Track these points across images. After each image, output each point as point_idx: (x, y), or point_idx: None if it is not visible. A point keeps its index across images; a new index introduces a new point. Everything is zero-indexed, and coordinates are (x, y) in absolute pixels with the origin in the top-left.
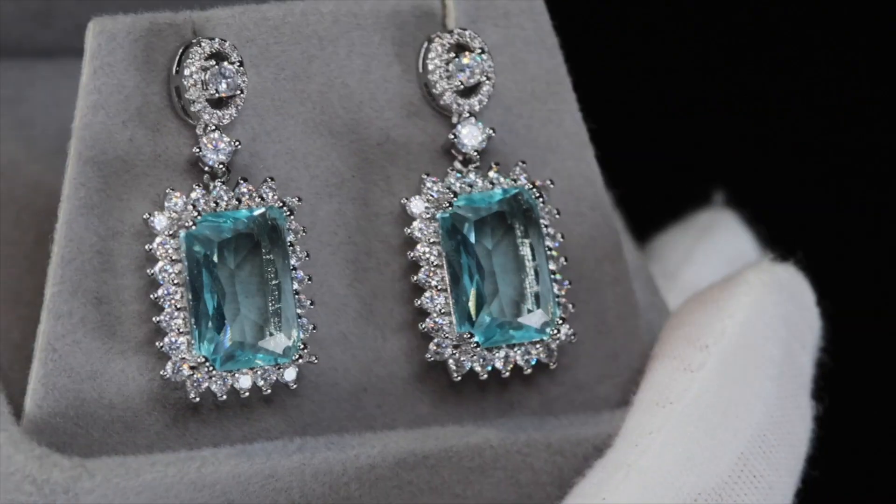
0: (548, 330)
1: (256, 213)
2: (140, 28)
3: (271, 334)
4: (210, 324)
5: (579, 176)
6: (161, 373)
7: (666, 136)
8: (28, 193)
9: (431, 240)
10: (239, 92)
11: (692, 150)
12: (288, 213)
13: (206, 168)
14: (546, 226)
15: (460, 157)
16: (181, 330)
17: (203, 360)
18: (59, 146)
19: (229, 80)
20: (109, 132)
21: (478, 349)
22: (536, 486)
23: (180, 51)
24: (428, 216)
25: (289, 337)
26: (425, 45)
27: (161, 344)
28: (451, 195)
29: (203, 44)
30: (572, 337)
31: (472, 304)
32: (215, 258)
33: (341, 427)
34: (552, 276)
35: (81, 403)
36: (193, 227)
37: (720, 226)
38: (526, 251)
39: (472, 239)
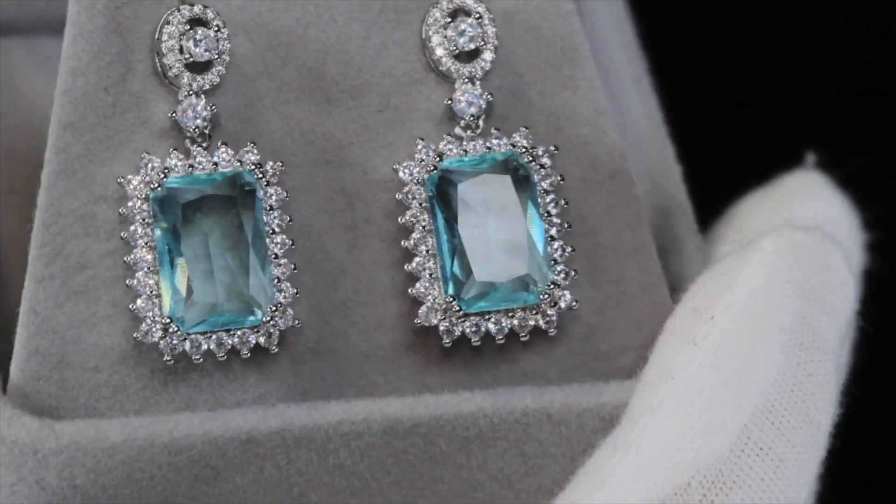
0: (540, 295)
1: (227, 175)
2: None
3: (245, 296)
4: (180, 286)
5: (596, 143)
6: (134, 335)
7: (760, 93)
8: None
9: (422, 204)
10: (218, 57)
11: (788, 109)
12: (261, 175)
13: (187, 133)
14: (547, 191)
15: (461, 123)
16: (153, 292)
17: (170, 321)
18: None
19: (206, 44)
20: (90, 98)
21: (463, 314)
22: (546, 457)
23: (163, 18)
24: (417, 180)
25: (264, 300)
26: (429, 10)
27: (134, 307)
28: (438, 159)
29: (183, 9)
30: (574, 304)
31: (456, 270)
32: (180, 220)
33: (342, 395)
34: (550, 242)
35: (66, 367)
36: (160, 189)
37: (806, 190)
38: (519, 214)
39: (459, 201)
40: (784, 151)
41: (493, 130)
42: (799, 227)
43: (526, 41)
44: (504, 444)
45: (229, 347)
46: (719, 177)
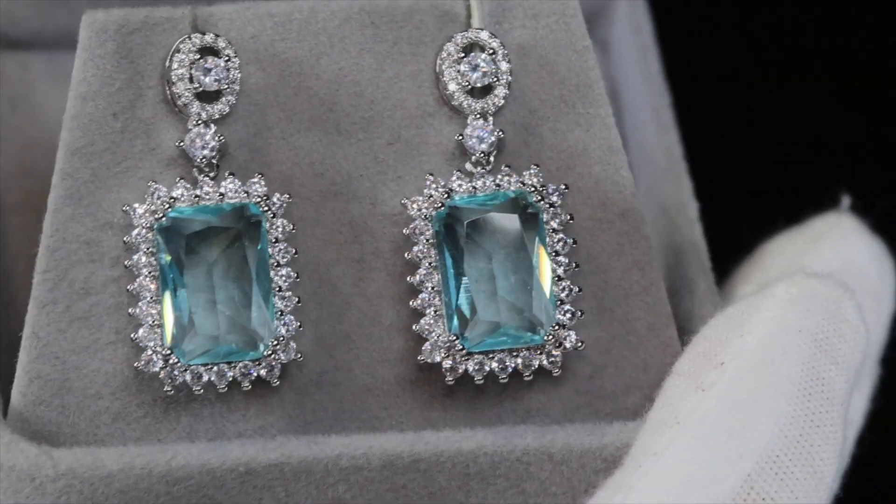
0: (545, 335)
1: (233, 206)
2: (135, 22)
3: (247, 329)
4: (181, 317)
5: (608, 181)
6: (135, 364)
7: (798, 134)
8: None
9: (429, 240)
10: (228, 87)
11: (823, 150)
12: (265, 209)
13: (195, 162)
14: (556, 230)
15: (472, 159)
16: (156, 322)
17: (170, 352)
18: None
19: (216, 74)
20: (99, 123)
21: (465, 352)
22: (546, 496)
23: (175, 45)
24: (425, 216)
25: (266, 332)
26: (444, 45)
27: (136, 336)
28: (447, 195)
29: (194, 38)
30: (579, 344)
31: (461, 307)
32: (184, 250)
33: (343, 428)
34: (557, 282)
35: (67, 393)
36: (164, 220)
37: (834, 233)
38: (527, 254)
39: (467, 239)
40: (820, 193)
41: (503, 168)
42: (813, 274)
43: (540, 77)
44: (504, 482)
45: (230, 379)
46: (746, 214)
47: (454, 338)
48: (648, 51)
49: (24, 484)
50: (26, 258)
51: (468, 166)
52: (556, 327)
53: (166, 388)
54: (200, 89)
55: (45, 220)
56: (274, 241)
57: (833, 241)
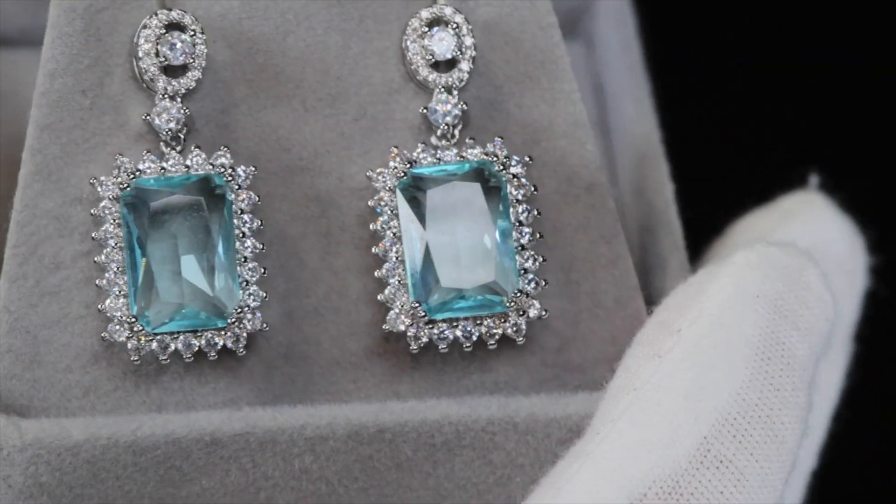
0: (509, 303)
1: (197, 178)
2: (103, 1)
3: (210, 298)
4: (145, 286)
5: (573, 156)
6: (101, 335)
7: (767, 114)
8: None
9: (392, 211)
10: (193, 60)
11: (796, 129)
12: (230, 178)
13: (161, 136)
14: (518, 200)
15: (437, 132)
16: (122, 292)
17: (135, 320)
18: None
19: (183, 48)
20: (67, 100)
21: (427, 320)
22: (513, 467)
23: (142, 22)
24: (389, 187)
25: (230, 302)
26: (409, 21)
27: (102, 306)
28: (409, 165)
29: (160, 14)
30: (544, 313)
31: (424, 275)
32: (148, 221)
33: (313, 401)
34: (521, 252)
35: (38, 366)
36: (129, 190)
37: (804, 210)
38: (488, 223)
39: (425, 208)
40: (789, 172)
41: (467, 140)
42: (774, 242)
43: (505, 53)
44: (471, 452)
45: (196, 349)
46: (723, 197)
47: (416, 305)
48: (631, 43)
49: None
50: None
51: (433, 140)
52: (519, 294)
53: (133, 357)
54: (166, 63)
55: (16, 195)
56: (239, 212)
57: (802, 218)
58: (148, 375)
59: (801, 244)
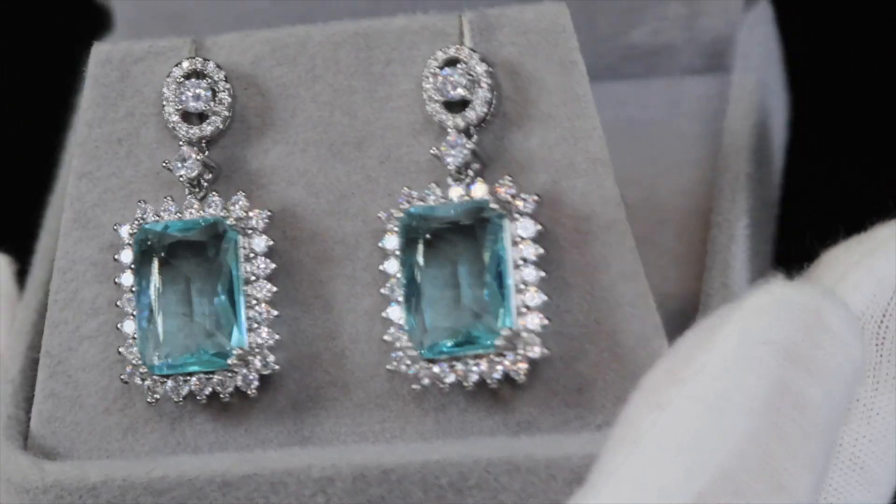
0: (511, 343)
1: (207, 222)
2: (139, 52)
3: (220, 340)
4: (153, 329)
5: (593, 194)
6: (120, 377)
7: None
8: None
9: (397, 252)
10: (214, 107)
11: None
12: (242, 225)
13: (183, 182)
14: (523, 238)
15: (450, 172)
16: (135, 335)
17: (141, 363)
18: None
19: (200, 94)
20: (104, 149)
21: (423, 359)
22: None
23: (168, 72)
24: (393, 228)
25: (235, 343)
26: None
27: (121, 349)
28: (408, 206)
29: (184, 63)
30: (545, 352)
31: (421, 314)
32: (161, 264)
33: (342, 442)
34: (524, 289)
35: (79, 409)
36: (138, 233)
37: (889, 244)
38: (488, 262)
39: (431, 248)
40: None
41: (476, 179)
42: (792, 281)
43: (528, 92)
44: (479, 493)
45: (209, 391)
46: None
47: (409, 345)
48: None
49: (21, 496)
50: None
51: (448, 180)
52: (520, 334)
53: (148, 399)
54: (183, 109)
55: (58, 243)
56: (253, 255)
57: (890, 251)
58: (182, 417)
59: (885, 280)
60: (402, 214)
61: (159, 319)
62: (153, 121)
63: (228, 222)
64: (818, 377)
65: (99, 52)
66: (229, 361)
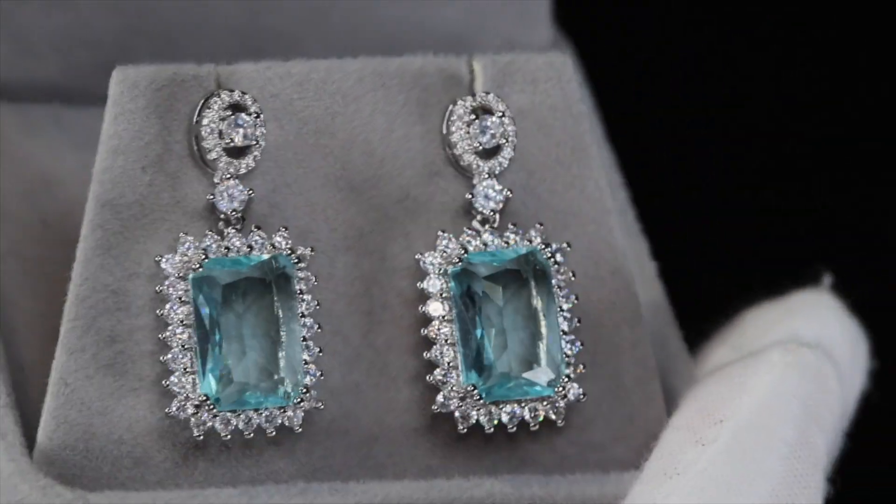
0: (554, 387)
1: (264, 259)
2: (163, 78)
3: (276, 377)
4: (215, 364)
5: (600, 241)
6: (166, 410)
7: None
8: None
9: (443, 294)
10: (255, 143)
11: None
12: (296, 261)
13: (221, 215)
14: (560, 286)
15: (479, 217)
16: (187, 369)
17: (205, 399)
18: None
19: (245, 130)
20: (128, 177)
21: (481, 402)
22: None
23: (202, 101)
24: (440, 271)
25: (293, 381)
26: (450, 107)
27: (167, 382)
28: (463, 251)
29: (223, 95)
30: (581, 396)
31: (479, 359)
32: (220, 300)
33: (351, 475)
34: (563, 336)
35: (91, 438)
36: (200, 270)
37: (811, 308)
38: (537, 310)
39: (482, 294)
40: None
41: (510, 226)
42: (806, 343)
43: (538, 139)
44: None
45: (255, 426)
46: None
47: (471, 388)
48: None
49: None
50: (14, 305)
51: (475, 224)
52: (564, 380)
53: (196, 433)
54: (231, 145)
55: (75, 269)
56: (299, 293)
57: (810, 314)
58: (195, 448)
59: (805, 339)
60: (455, 261)
61: (219, 353)
62: (176, 148)
63: (290, 260)
64: (823, 431)
65: (124, 76)
66: (294, 401)
